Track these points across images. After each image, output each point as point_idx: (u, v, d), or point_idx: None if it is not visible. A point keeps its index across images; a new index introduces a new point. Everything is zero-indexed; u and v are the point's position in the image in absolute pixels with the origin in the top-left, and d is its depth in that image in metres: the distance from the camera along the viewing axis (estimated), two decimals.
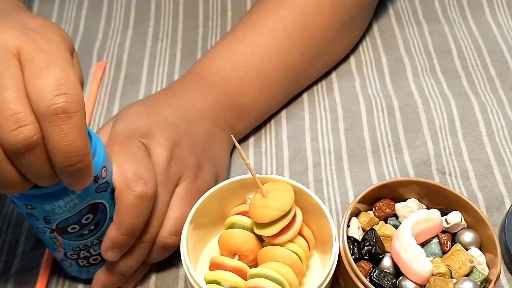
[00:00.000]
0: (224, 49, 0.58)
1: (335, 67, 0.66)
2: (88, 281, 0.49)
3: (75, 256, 0.46)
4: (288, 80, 0.60)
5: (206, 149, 0.51)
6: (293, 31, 0.58)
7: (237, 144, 0.43)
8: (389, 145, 0.59)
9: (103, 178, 0.42)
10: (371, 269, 0.44)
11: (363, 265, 0.44)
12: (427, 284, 0.43)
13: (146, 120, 0.49)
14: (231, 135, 0.44)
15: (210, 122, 0.53)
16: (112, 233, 0.44)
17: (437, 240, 0.46)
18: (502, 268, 0.48)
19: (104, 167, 0.42)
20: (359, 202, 0.47)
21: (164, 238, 0.46)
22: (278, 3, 0.59)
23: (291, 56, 0.59)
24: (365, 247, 0.44)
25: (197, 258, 0.48)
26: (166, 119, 0.50)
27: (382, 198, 0.48)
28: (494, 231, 0.44)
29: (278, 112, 0.62)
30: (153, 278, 0.50)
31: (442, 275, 0.43)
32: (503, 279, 0.50)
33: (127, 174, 0.43)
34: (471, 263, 0.44)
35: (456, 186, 0.56)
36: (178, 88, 0.56)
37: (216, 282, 0.42)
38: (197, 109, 0.53)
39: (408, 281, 0.43)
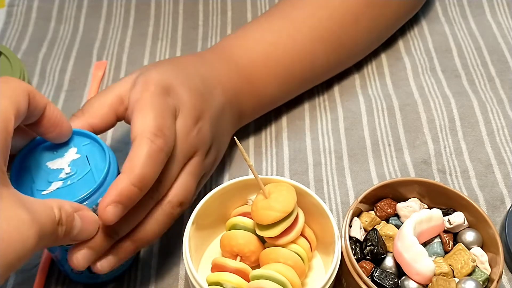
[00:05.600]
0: (258, 35, 0.57)
1: None
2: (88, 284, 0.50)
3: None
4: (308, 82, 0.60)
5: (217, 126, 0.51)
6: (328, 36, 0.58)
7: (240, 147, 0.43)
8: (390, 144, 0.59)
9: None
10: (373, 269, 0.44)
11: (365, 265, 0.44)
12: (430, 284, 0.43)
13: (179, 81, 0.47)
14: (234, 137, 0.44)
15: (224, 97, 0.53)
16: (121, 182, 0.39)
17: (439, 240, 0.46)
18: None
19: (119, 173, 0.43)
20: (360, 202, 0.47)
21: (171, 203, 0.44)
22: (320, 6, 0.59)
23: (319, 60, 0.59)
24: (367, 247, 0.44)
25: (199, 259, 0.48)
26: (196, 86, 0.49)
27: (384, 198, 0.48)
28: (496, 230, 0.45)
29: (278, 112, 0.62)
30: (153, 278, 0.50)
31: (444, 274, 0.43)
32: (504, 278, 0.50)
33: (150, 126, 0.41)
34: (473, 262, 0.44)
35: (456, 186, 0.56)
36: (207, 59, 0.54)
37: (218, 284, 0.42)
38: (221, 83, 0.53)
39: (411, 281, 0.43)
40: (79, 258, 0.40)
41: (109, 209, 0.39)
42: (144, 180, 0.40)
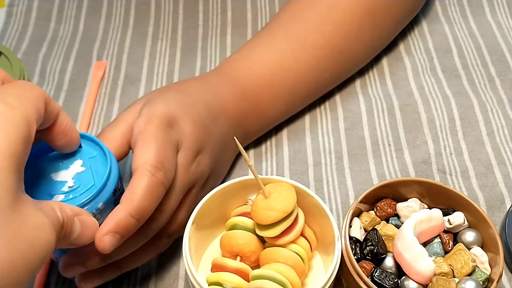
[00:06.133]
0: (264, 56, 0.56)
1: None
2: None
3: None
4: (312, 97, 0.61)
5: (218, 156, 0.51)
6: (331, 52, 0.58)
7: (240, 147, 0.43)
8: (390, 144, 0.59)
9: (119, 190, 0.43)
10: (373, 269, 0.44)
11: (365, 265, 0.44)
12: (430, 284, 0.43)
13: (185, 112, 0.48)
14: (235, 137, 0.44)
15: (228, 124, 0.53)
16: (120, 213, 0.40)
17: (439, 240, 0.46)
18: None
19: (120, 178, 0.43)
20: (360, 202, 0.47)
21: (165, 235, 0.46)
22: (323, 20, 0.58)
23: (323, 76, 0.59)
24: (367, 247, 0.44)
25: (199, 259, 0.48)
26: (201, 117, 0.49)
27: (384, 198, 0.48)
28: (496, 230, 0.45)
29: None
30: (153, 278, 0.50)
31: (444, 274, 0.43)
32: (504, 278, 0.50)
33: (151, 159, 0.42)
34: (473, 262, 0.44)
35: (456, 186, 0.56)
36: (212, 84, 0.54)
37: (218, 284, 0.42)
38: (226, 110, 0.53)
39: (411, 281, 0.43)
40: (70, 268, 0.43)
41: (106, 239, 0.40)
42: (142, 211, 0.41)
